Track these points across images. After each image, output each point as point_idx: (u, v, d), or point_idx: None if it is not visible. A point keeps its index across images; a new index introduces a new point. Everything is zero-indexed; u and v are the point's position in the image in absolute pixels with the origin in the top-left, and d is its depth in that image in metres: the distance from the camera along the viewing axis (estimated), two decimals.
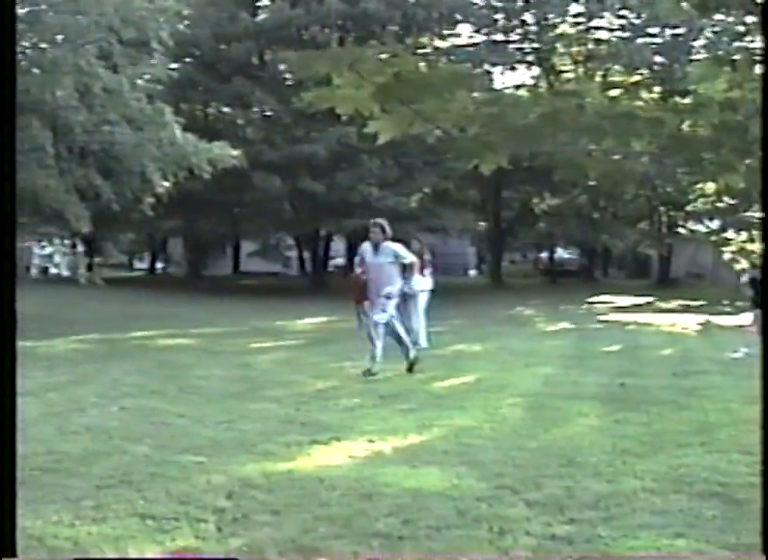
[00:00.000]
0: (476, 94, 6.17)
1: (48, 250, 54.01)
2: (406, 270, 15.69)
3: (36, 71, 22.91)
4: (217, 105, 45.79)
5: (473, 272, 63.98)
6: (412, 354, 15.04)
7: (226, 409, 11.40)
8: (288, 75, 42.17)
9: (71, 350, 18.78)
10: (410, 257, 15.31)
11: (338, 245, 51.63)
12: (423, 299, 18.97)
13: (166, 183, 24.46)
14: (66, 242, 50.07)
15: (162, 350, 18.88)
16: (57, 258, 53.25)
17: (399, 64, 5.55)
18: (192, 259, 52.58)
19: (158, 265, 62.98)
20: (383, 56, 5.68)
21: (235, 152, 25.28)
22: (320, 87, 6.04)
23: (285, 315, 27.10)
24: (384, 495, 7.24)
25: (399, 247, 15.02)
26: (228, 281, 49.71)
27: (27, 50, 24.03)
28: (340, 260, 52.88)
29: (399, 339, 15.10)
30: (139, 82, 24.54)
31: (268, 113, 42.97)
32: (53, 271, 53.76)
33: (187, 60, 42.16)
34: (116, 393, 12.57)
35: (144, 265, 64.67)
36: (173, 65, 33.94)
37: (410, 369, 14.86)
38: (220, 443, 9.19)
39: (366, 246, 15.10)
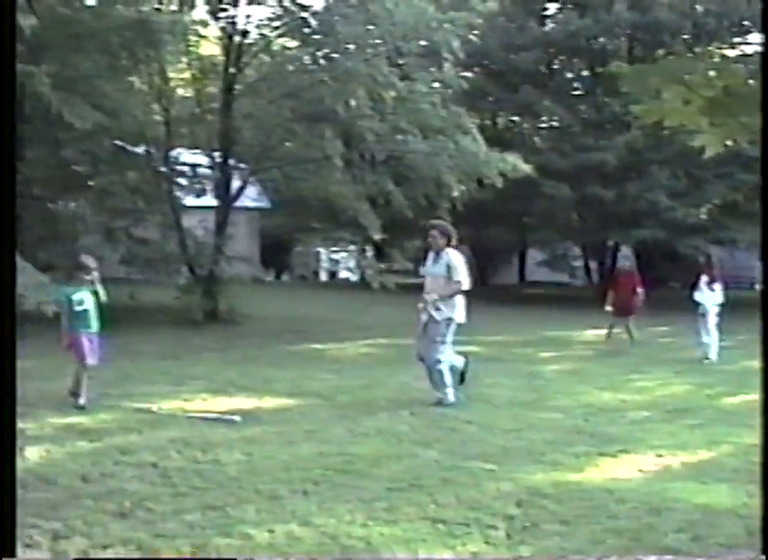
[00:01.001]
0: None
1: (338, 254, 55.48)
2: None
3: (328, 81, 23.48)
4: (505, 114, 45.93)
5: (759, 287, 61.91)
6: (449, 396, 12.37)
7: (514, 417, 11.51)
8: (576, 85, 42.01)
9: (360, 354, 19.26)
10: (461, 276, 12.36)
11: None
12: (714, 313, 18.65)
13: (463, 187, 24.47)
14: (357, 247, 51.38)
15: None
16: (350, 263, 54.53)
17: (727, 77, 5.53)
18: (479, 267, 52.88)
19: None
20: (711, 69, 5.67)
21: (526, 167, 25.01)
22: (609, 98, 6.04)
23: (572, 325, 26.93)
24: (673, 510, 7.20)
25: (456, 258, 12.41)
26: (515, 290, 49.65)
27: (321, 61, 24.73)
28: None
29: (431, 375, 12.53)
30: (430, 88, 24.74)
31: (555, 123, 42.80)
32: (341, 275, 55.10)
33: (476, 69, 42.43)
34: (406, 398, 12.84)
35: None
36: (463, 75, 34.14)
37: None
38: (509, 451, 9.30)
39: (429, 255, 12.79)
